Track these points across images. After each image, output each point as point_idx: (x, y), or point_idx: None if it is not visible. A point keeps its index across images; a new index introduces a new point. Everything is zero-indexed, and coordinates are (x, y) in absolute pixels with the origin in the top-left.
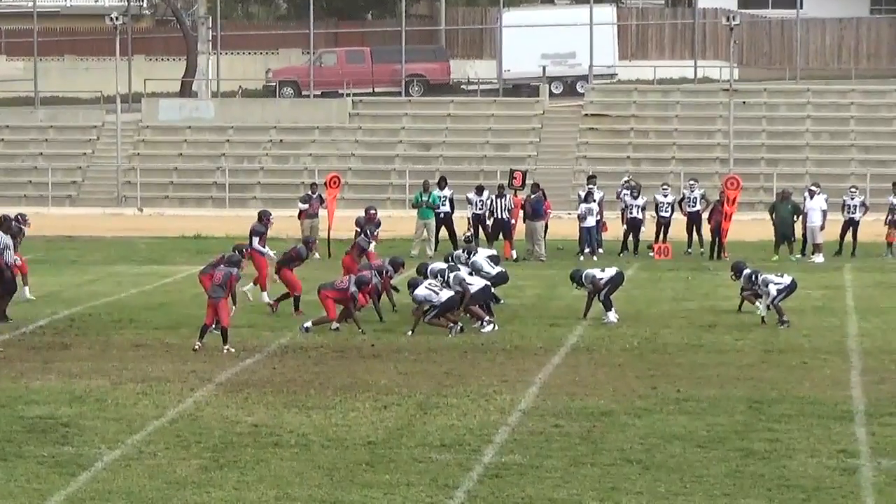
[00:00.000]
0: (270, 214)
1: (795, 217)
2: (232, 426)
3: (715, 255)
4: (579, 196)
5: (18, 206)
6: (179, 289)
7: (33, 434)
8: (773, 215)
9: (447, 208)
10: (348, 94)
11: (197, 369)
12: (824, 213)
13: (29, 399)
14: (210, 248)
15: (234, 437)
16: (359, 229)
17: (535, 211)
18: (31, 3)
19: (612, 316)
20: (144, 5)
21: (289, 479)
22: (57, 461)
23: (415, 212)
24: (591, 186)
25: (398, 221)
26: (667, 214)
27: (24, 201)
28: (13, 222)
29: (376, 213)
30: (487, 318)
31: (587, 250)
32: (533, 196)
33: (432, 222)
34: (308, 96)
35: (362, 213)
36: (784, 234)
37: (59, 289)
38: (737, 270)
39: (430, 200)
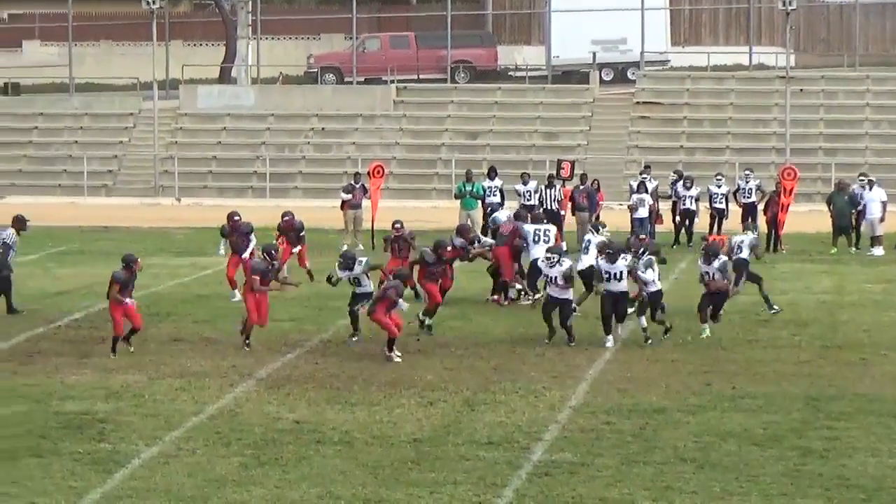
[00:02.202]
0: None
1: (853, 208)
2: (273, 423)
3: (771, 247)
4: (631, 186)
5: (53, 196)
6: (218, 280)
7: (69, 430)
8: (831, 207)
9: (497, 199)
10: (392, 81)
11: (237, 364)
12: (884, 204)
13: (64, 394)
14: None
15: (275, 434)
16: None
17: (592, 202)
18: None
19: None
20: None
21: (332, 477)
22: (93, 458)
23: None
24: (644, 176)
25: (443, 212)
26: (721, 205)
27: (58, 191)
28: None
29: (292, 218)
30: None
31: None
32: (582, 187)
33: (476, 212)
34: (351, 83)
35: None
36: (841, 226)
37: (94, 281)
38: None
39: (474, 190)
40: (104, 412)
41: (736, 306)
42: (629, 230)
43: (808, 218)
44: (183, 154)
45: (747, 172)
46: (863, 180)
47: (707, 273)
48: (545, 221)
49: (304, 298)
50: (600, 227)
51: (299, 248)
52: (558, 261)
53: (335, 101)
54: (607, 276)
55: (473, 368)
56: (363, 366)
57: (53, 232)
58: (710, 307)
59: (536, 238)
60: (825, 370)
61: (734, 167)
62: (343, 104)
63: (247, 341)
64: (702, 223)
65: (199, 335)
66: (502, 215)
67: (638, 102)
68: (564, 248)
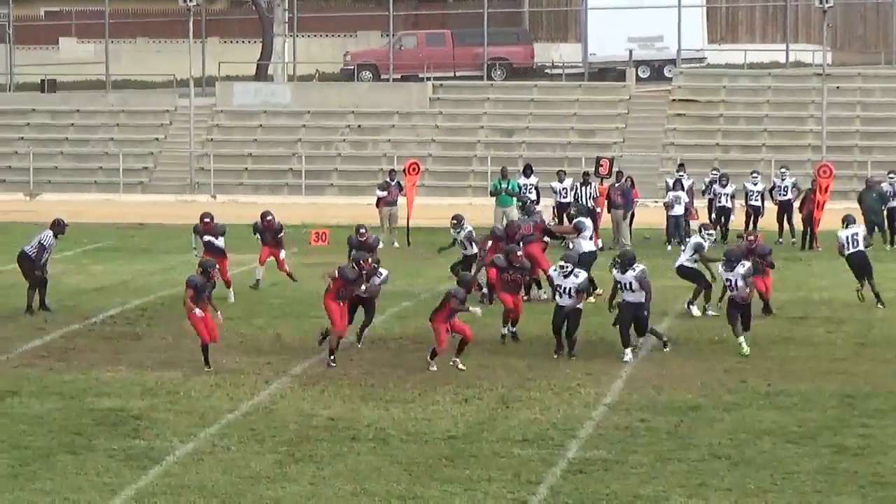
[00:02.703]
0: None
1: (882, 205)
2: (308, 419)
3: (807, 245)
4: (667, 184)
5: (89, 193)
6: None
7: (104, 427)
8: (861, 204)
9: (532, 196)
10: (428, 79)
11: (272, 361)
12: None
13: (99, 391)
14: (286, 236)
15: (309, 431)
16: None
17: (627, 199)
18: None
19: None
20: None
21: (366, 473)
22: (128, 454)
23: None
24: (679, 174)
25: (479, 209)
26: (757, 203)
27: (94, 188)
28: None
29: (273, 219)
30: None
31: (675, 240)
32: (617, 185)
33: (512, 210)
34: (387, 80)
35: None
36: (872, 223)
37: (130, 278)
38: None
39: (510, 188)
40: (139, 409)
41: (773, 303)
42: (664, 228)
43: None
44: (218, 151)
45: (783, 170)
46: (893, 177)
47: (729, 281)
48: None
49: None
50: (702, 230)
51: (282, 252)
52: (572, 271)
53: (371, 99)
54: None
55: (508, 366)
56: (398, 363)
57: (89, 229)
58: (740, 317)
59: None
60: (860, 368)
61: (770, 165)
62: (379, 101)
63: (332, 358)
64: (737, 221)
65: (234, 331)
66: (513, 213)
67: (674, 100)
68: (599, 247)
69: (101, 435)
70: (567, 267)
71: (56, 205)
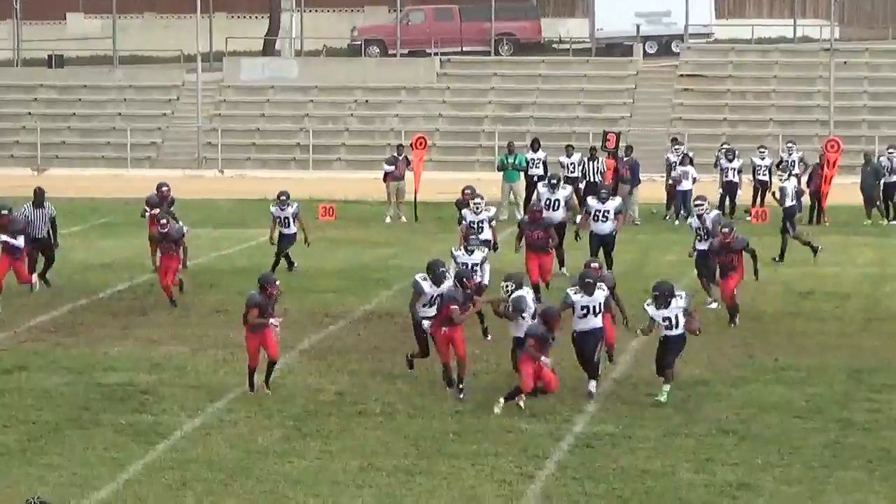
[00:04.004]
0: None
1: (877, 180)
2: (315, 394)
3: (814, 219)
4: (667, 160)
5: (96, 168)
6: (262, 252)
7: (111, 402)
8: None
9: (540, 171)
10: (436, 54)
11: (280, 336)
12: None
13: (107, 366)
14: None
15: (317, 406)
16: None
17: (634, 174)
18: None
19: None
20: None
21: (373, 448)
22: (135, 429)
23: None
24: (676, 146)
25: (486, 184)
26: (764, 178)
27: (102, 163)
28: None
29: (169, 190)
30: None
31: (682, 213)
32: (625, 159)
33: (518, 184)
34: (394, 55)
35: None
36: (868, 198)
37: (136, 253)
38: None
39: (517, 162)
40: (147, 384)
41: (779, 278)
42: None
43: (851, 190)
44: (226, 126)
45: (790, 145)
46: (892, 152)
47: (668, 320)
48: (608, 199)
49: (347, 270)
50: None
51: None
52: (514, 289)
53: (379, 74)
54: (583, 311)
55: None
56: (406, 337)
57: (97, 204)
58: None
59: (596, 217)
60: (868, 342)
61: (777, 140)
62: (386, 76)
63: (458, 387)
64: (745, 196)
65: (241, 306)
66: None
67: (682, 75)
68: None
69: (109, 410)
70: (509, 286)
71: (64, 180)
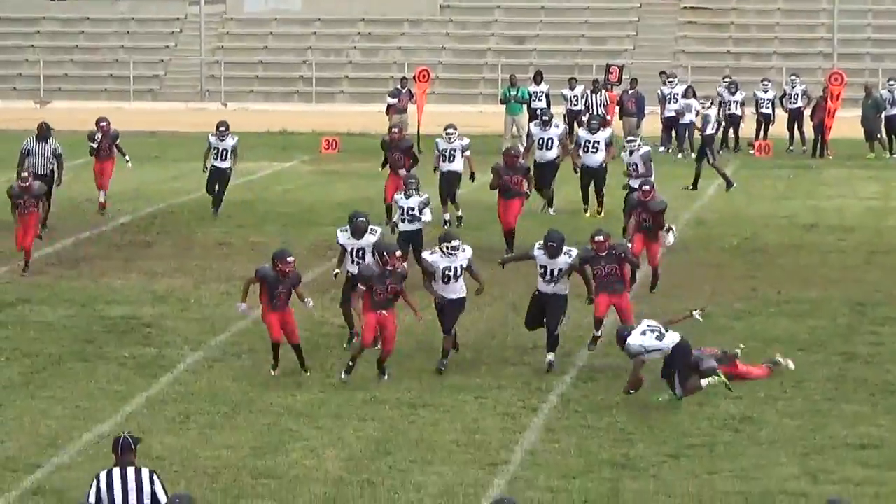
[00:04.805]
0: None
1: (877, 112)
2: (318, 327)
3: (817, 152)
4: (660, 92)
5: (99, 100)
6: (264, 185)
7: (114, 335)
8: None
9: (542, 104)
10: None
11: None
12: None
13: (110, 299)
14: (296, 143)
15: (320, 339)
16: None
17: (640, 107)
18: None
19: None
20: None
21: (377, 381)
22: (138, 362)
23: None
24: (670, 80)
25: (489, 117)
26: (768, 111)
27: (104, 95)
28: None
29: (109, 124)
30: None
31: (686, 147)
32: (630, 91)
33: (521, 117)
34: None
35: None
36: (868, 131)
37: (140, 186)
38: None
39: (519, 95)
40: (150, 317)
41: (783, 211)
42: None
43: (854, 123)
44: (229, 59)
45: (794, 78)
46: (893, 84)
47: (544, 269)
48: (598, 129)
49: (349, 203)
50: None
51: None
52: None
53: (382, 6)
54: (541, 271)
55: (519, 272)
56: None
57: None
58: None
59: (586, 148)
60: (871, 276)
61: (781, 72)
62: (390, 9)
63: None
64: (747, 129)
65: (244, 239)
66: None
67: (685, 7)
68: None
69: (112, 342)
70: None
71: (66, 113)
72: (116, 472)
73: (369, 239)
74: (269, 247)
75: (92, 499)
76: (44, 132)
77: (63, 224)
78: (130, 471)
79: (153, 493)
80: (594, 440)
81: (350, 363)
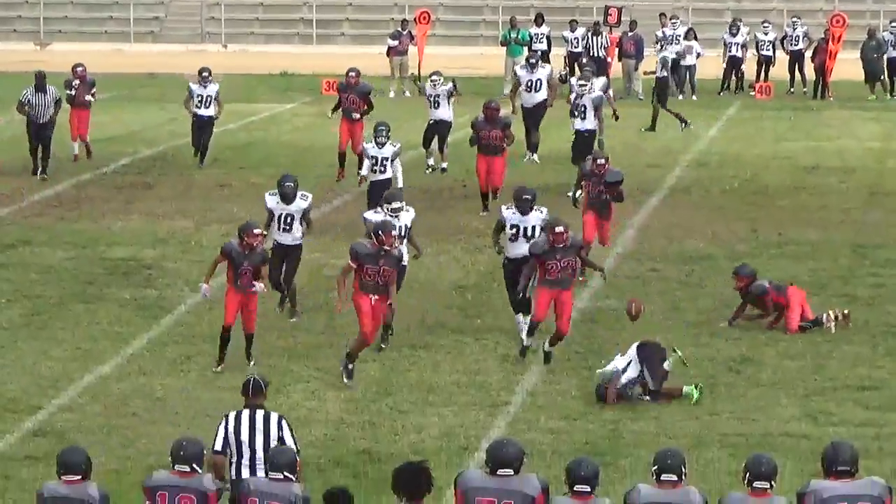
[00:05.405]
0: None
1: (880, 54)
2: (318, 269)
3: (819, 94)
4: (656, 36)
5: (98, 42)
6: (264, 128)
7: (115, 276)
8: (862, 53)
9: (544, 46)
10: None
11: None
12: None
13: (111, 240)
14: (297, 85)
15: (321, 281)
16: None
17: (639, 49)
18: None
19: None
20: None
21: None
22: (139, 304)
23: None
24: (673, 20)
25: (490, 59)
26: (769, 53)
27: (104, 37)
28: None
29: (85, 70)
30: None
31: (686, 89)
32: (630, 34)
33: (522, 59)
34: None
35: None
36: (870, 72)
37: (140, 128)
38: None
39: (520, 37)
40: (151, 258)
41: (784, 152)
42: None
43: (856, 65)
44: (229, 0)
45: (795, 20)
46: (895, 26)
47: (516, 228)
48: (592, 73)
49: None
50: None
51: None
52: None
53: None
54: (513, 231)
55: None
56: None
57: (99, 79)
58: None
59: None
60: (872, 217)
61: (782, 14)
62: None
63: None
64: (749, 70)
65: (245, 181)
66: None
67: None
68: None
69: (113, 284)
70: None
71: (66, 55)
72: (245, 413)
73: (300, 204)
74: (268, 188)
75: (219, 444)
76: (41, 81)
77: (63, 165)
78: (259, 413)
79: (280, 439)
80: (595, 381)
81: (350, 365)
